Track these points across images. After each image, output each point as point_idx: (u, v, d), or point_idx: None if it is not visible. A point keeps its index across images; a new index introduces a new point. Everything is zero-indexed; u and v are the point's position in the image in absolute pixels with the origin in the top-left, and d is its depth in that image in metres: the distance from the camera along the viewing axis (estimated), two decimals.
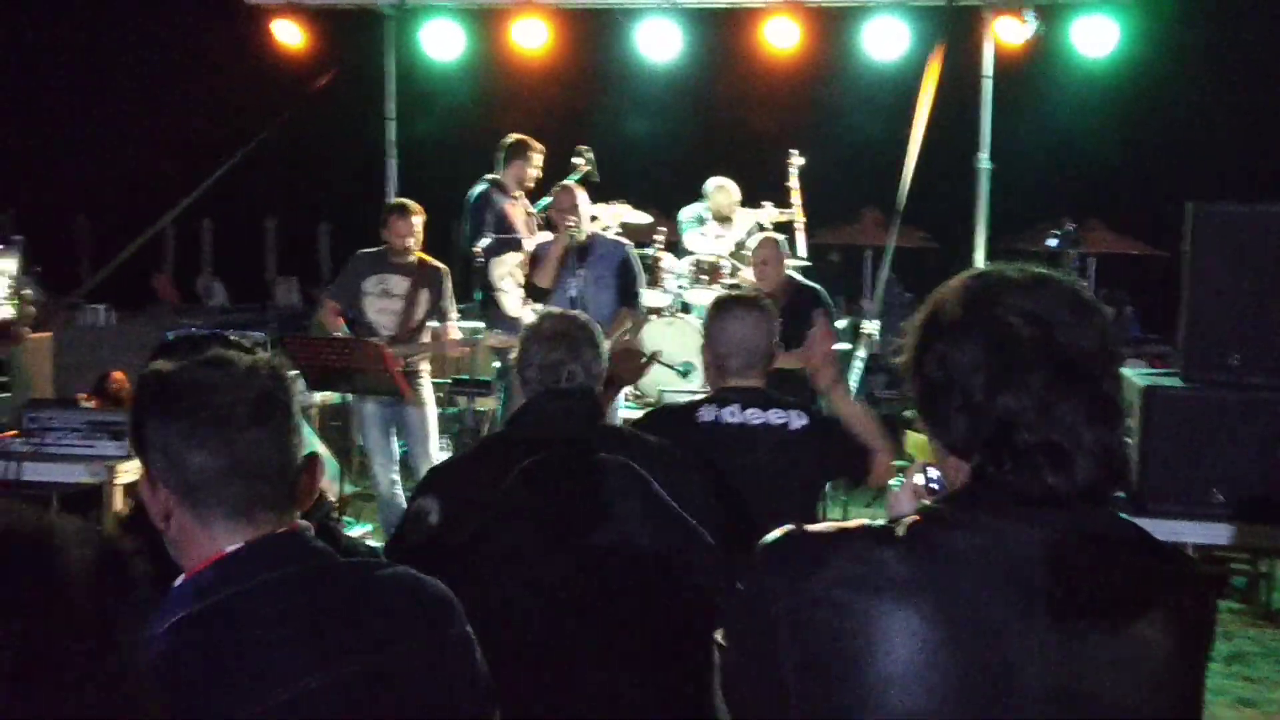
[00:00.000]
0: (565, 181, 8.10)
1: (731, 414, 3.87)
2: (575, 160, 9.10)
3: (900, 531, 1.62)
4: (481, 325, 8.28)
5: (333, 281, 7.99)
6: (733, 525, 3.16)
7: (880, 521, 1.67)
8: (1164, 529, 4.48)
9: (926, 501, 1.74)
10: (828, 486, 8.55)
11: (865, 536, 1.63)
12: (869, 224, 23.54)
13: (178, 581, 1.85)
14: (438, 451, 7.58)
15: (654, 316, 9.00)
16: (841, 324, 8.56)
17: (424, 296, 7.50)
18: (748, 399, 3.91)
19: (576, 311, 3.55)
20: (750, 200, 9.79)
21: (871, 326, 9.12)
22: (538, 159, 8.78)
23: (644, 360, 4.63)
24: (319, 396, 8.66)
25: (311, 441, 8.32)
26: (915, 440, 7.74)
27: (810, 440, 3.90)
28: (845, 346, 8.95)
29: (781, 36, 10.06)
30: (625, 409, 8.04)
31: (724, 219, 9.68)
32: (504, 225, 8.52)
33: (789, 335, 7.25)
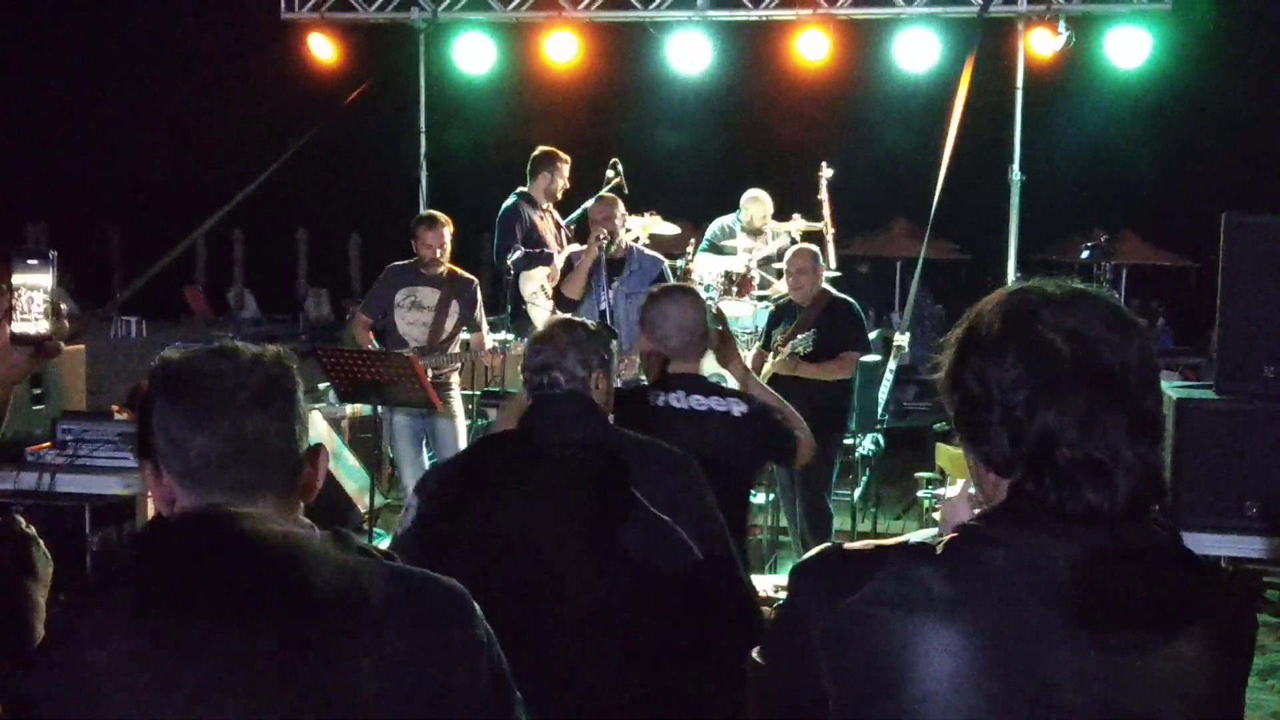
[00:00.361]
0: (606, 193, 8.09)
1: (678, 399, 4.05)
2: (607, 173, 9.11)
3: (939, 549, 1.61)
4: (511, 337, 8.29)
5: (364, 294, 8.02)
6: (716, 527, 3.22)
7: (919, 538, 1.67)
8: (1197, 543, 4.45)
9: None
10: (856, 499, 8.60)
11: (904, 554, 1.63)
12: (899, 236, 23.52)
13: None
14: None
15: None
16: (871, 335, 8.54)
17: (454, 308, 7.52)
18: (691, 386, 4.09)
19: (571, 316, 3.61)
20: (781, 212, 9.78)
21: (902, 339, 9.09)
22: (565, 170, 8.79)
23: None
24: (349, 408, 8.68)
25: (342, 453, 8.35)
26: (948, 454, 7.71)
27: (751, 426, 4.06)
28: (875, 358, 8.93)
29: (812, 49, 10.06)
30: None
31: (755, 231, 9.67)
32: (533, 238, 8.54)
33: (822, 346, 7.29)
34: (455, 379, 7.66)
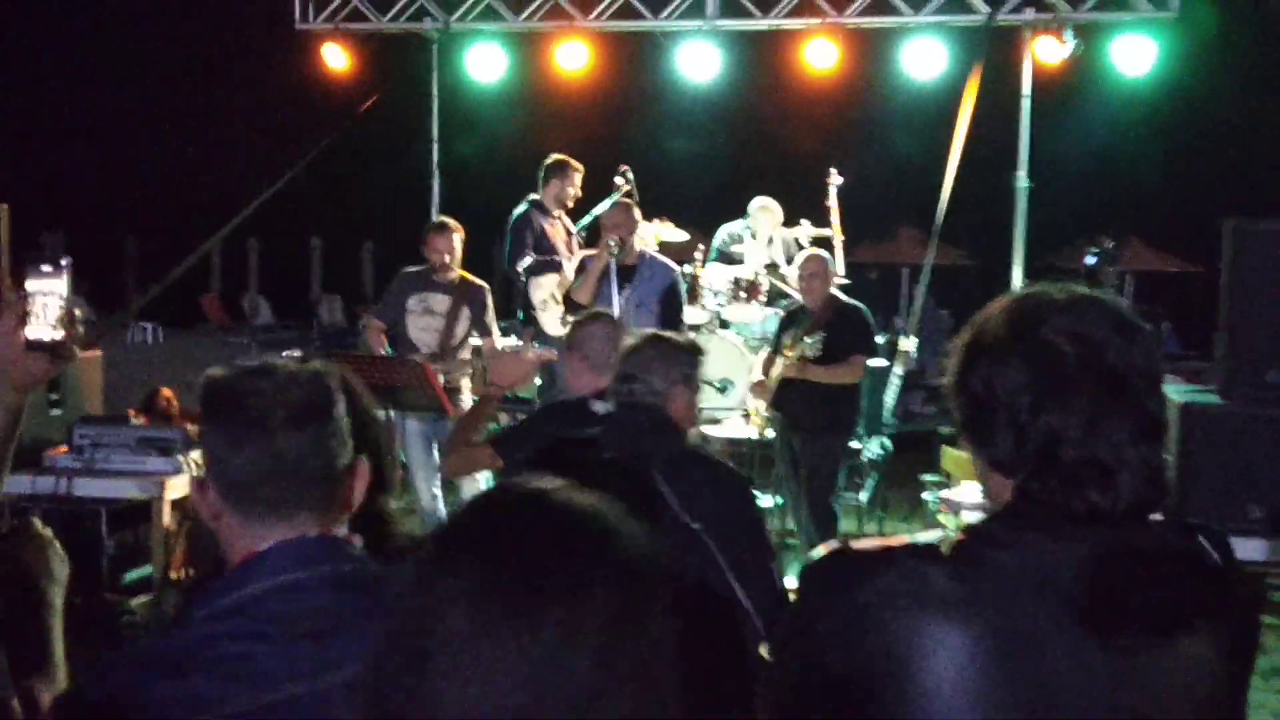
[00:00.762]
0: (625, 199, 8.14)
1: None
2: (616, 181, 9.16)
3: (945, 549, 1.63)
4: (521, 344, 8.33)
5: (377, 300, 8.08)
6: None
7: (925, 539, 1.68)
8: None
9: None
10: (863, 502, 8.66)
11: (910, 554, 1.64)
12: (907, 242, 23.53)
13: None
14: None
15: (693, 333, 9.05)
16: (879, 341, 8.59)
17: (465, 314, 7.58)
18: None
19: (660, 331, 3.80)
20: (789, 219, 9.84)
21: (908, 343, 9.14)
22: (577, 178, 8.83)
23: (527, 365, 4.99)
24: None
25: None
26: (954, 458, 7.76)
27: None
28: (883, 363, 8.98)
29: (821, 57, 10.10)
30: None
31: (765, 239, 9.73)
32: (544, 245, 8.59)
33: (831, 350, 7.34)
34: (466, 384, 7.71)
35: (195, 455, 6.29)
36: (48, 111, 27.71)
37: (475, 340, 7.73)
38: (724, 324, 9.49)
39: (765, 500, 7.78)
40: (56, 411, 6.97)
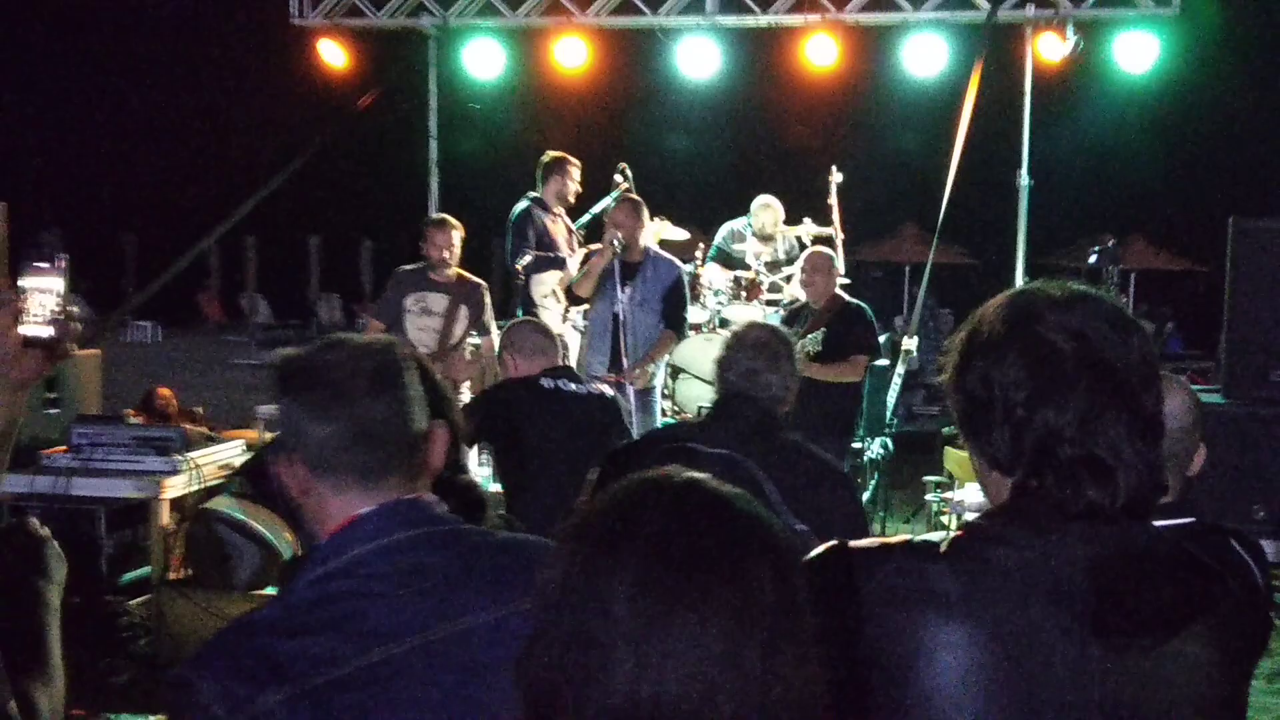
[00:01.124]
0: (632, 196, 8.12)
1: (564, 384, 5.19)
2: (615, 178, 9.14)
3: (944, 547, 1.62)
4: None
5: (376, 299, 8.05)
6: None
7: (923, 537, 1.68)
8: None
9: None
10: (865, 502, 8.62)
11: (908, 552, 1.64)
12: (908, 240, 23.52)
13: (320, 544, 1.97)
14: (477, 467, 7.62)
15: (693, 332, 9.02)
16: (880, 339, 8.57)
17: (463, 313, 7.55)
18: (569, 376, 5.34)
19: (779, 327, 3.93)
20: (790, 217, 9.81)
21: (910, 343, 9.11)
22: (576, 175, 8.82)
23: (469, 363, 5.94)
24: None
25: None
26: (955, 458, 7.73)
27: (615, 404, 5.50)
28: (884, 362, 8.95)
29: (821, 54, 10.07)
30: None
31: (765, 237, 9.70)
32: (545, 242, 8.57)
33: (832, 348, 7.31)
34: (465, 383, 7.69)
35: (193, 455, 6.29)
36: (46, 109, 27.74)
37: (474, 339, 7.70)
38: (724, 323, 9.46)
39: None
40: (54, 410, 6.95)
